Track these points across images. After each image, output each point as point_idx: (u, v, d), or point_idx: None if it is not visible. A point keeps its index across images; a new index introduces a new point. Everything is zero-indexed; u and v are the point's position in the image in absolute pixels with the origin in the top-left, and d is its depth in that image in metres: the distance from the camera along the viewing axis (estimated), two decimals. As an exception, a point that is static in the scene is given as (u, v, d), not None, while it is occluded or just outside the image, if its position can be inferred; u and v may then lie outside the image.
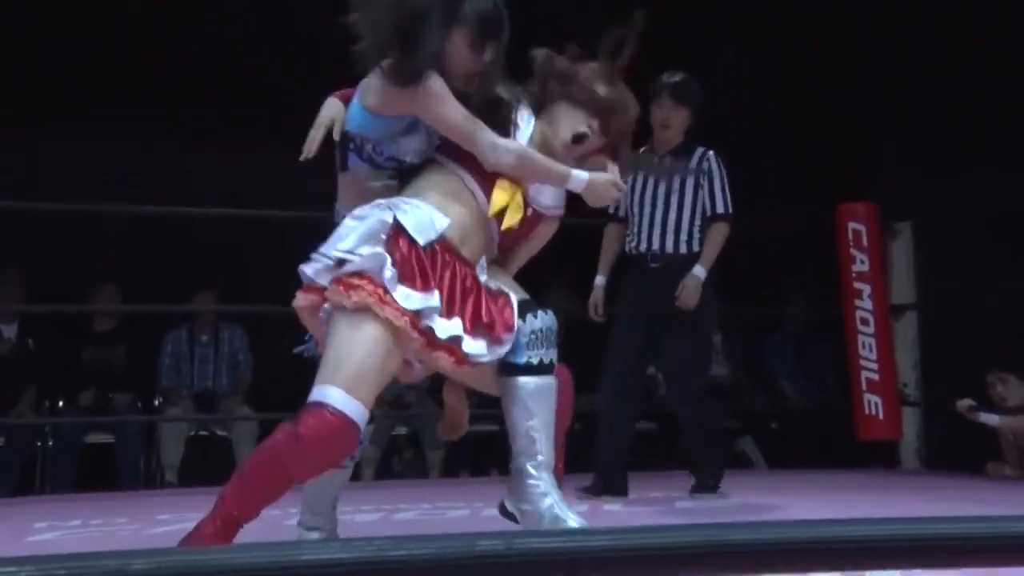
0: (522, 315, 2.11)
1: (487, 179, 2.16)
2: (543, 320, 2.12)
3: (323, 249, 2.04)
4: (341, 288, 1.95)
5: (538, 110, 2.29)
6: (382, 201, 2.09)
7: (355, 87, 2.23)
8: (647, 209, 3.65)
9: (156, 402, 5.27)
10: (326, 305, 2.01)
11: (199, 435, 5.15)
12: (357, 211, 2.07)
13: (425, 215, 2.05)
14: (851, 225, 4.67)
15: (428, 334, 1.97)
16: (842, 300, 4.73)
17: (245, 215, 5.01)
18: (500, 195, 2.15)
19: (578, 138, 2.25)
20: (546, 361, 2.12)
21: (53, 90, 5.34)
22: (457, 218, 2.11)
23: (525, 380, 2.10)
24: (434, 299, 1.98)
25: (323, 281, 2.00)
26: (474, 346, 2.02)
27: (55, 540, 2.95)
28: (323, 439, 1.89)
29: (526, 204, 2.22)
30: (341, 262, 1.98)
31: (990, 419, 4.15)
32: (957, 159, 4.56)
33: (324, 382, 1.93)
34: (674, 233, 3.62)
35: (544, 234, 2.37)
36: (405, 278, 1.96)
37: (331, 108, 2.24)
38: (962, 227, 4.58)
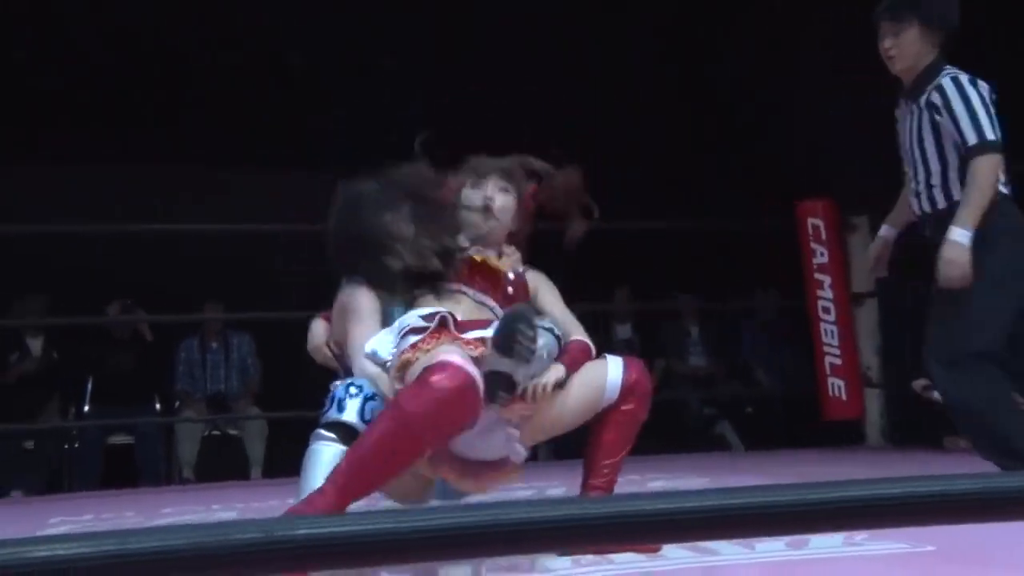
0: None
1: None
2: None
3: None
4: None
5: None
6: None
7: None
8: (906, 169, 2.84)
9: (176, 404, 5.50)
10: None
11: (212, 435, 5.38)
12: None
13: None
14: (811, 220, 4.82)
15: None
16: (805, 291, 4.89)
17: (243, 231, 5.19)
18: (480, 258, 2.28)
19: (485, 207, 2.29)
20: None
21: (63, 114, 5.56)
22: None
23: None
24: None
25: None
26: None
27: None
28: (451, 388, 1.78)
29: None
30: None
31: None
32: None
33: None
34: (926, 189, 2.74)
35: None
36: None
37: (317, 334, 2.44)
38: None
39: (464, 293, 2.23)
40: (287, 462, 5.18)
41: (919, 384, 4.34)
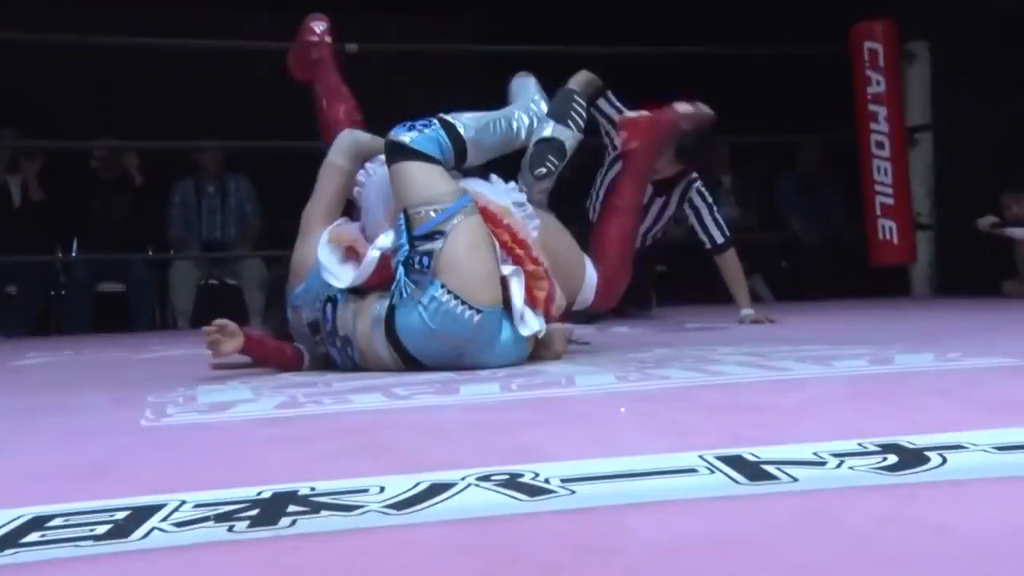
0: None
1: None
2: None
3: None
4: None
5: None
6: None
7: None
8: None
9: (170, 252, 5.13)
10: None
11: (209, 283, 5.04)
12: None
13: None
14: (867, 44, 4.33)
15: None
16: (856, 124, 4.41)
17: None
18: None
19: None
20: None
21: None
22: None
23: None
24: None
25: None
26: None
27: (34, 365, 2.83)
28: None
29: None
30: None
31: (1017, 232, 3.86)
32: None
33: None
34: None
35: None
36: None
37: None
38: (979, 45, 4.21)
39: None
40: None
41: (987, 221, 3.94)
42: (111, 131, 4.95)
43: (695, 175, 3.28)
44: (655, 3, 5.41)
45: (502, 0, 5.15)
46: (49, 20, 5.12)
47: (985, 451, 1.02)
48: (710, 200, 3.31)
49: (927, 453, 1.01)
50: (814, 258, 5.08)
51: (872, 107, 4.33)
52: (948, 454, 1.01)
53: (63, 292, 4.83)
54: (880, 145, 4.32)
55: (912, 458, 1.00)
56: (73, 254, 4.98)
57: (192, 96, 5.40)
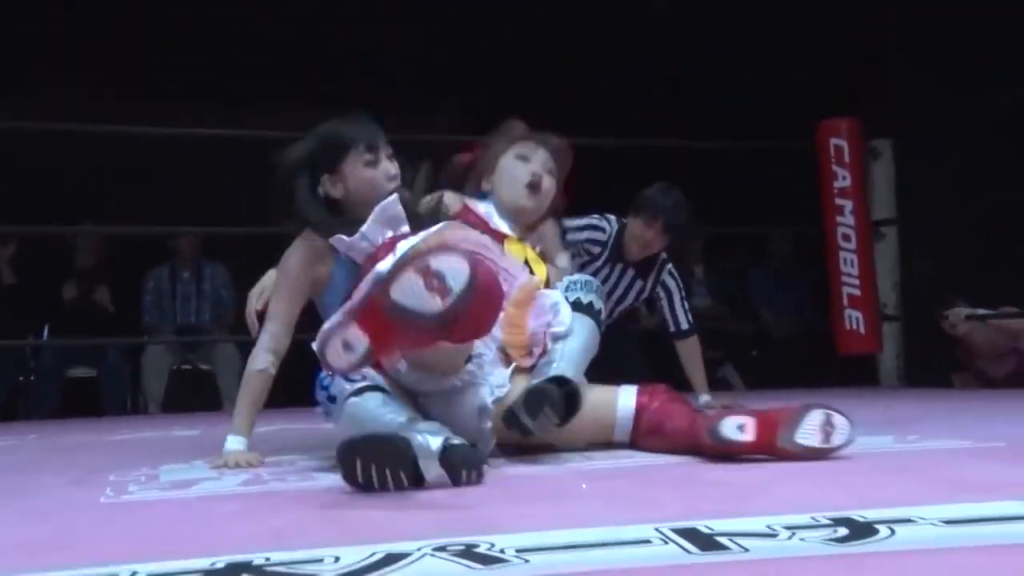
0: None
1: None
2: None
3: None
4: None
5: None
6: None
7: None
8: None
9: (143, 338, 5.10)
10: None
11: (183, 369, 4.99)
12: None
13: None
14: (833, 141, 4.45)
15: None
16: (824, 218, 4.51)
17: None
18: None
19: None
20: None
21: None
22: None
23: None
24: None
25: None
26: None
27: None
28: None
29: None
30: None
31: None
32: (936, 78, 4.34)
33: None
34: None
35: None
36: None
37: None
38: (942, 145, 4.36)
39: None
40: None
41: (958, 315, 4.04)
42: (89, 218, 4.97)
43: (666, 256, 3.33)
44: (632, 97, 5.57)
45: (485, 93, 5.28)
46: (31, 108, 5.20)
47: (933, 524, 1.04)
48: (680, 284, 3.37)
49: (877, 526, 1.03)
50: (784, 348, 5.13)
51: (839, 201, 4.43)
52: (897, 527, 1.02)
53: (31, 377, 4.77)
54: (847, 238, 4.42)
55: (862, 530, 1.02)
56: (44, 338, 4.94)
57: (167, 183, 5.45)
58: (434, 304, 1.15)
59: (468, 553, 0.97)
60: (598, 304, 1.96)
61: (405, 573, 0.91)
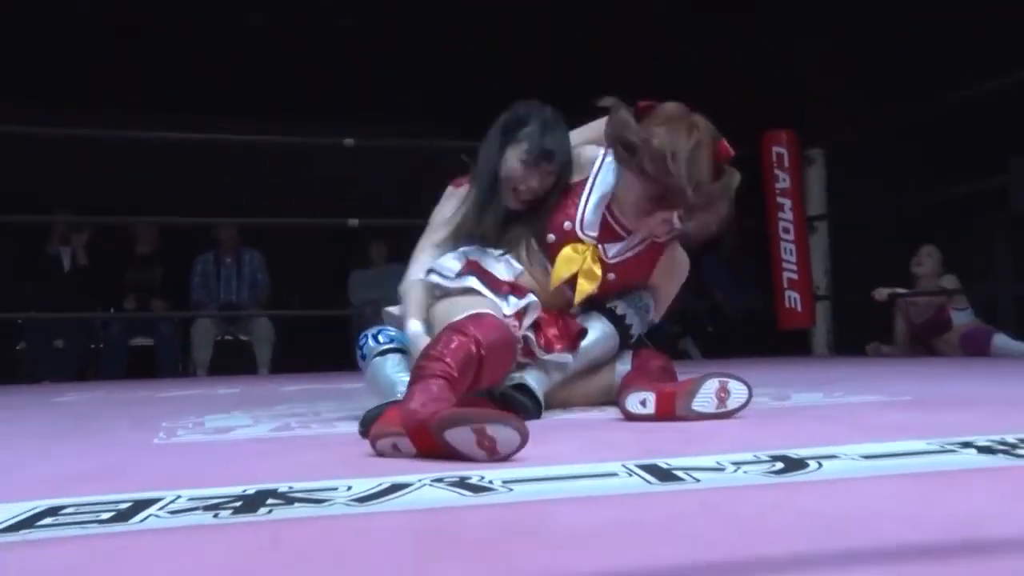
0: None
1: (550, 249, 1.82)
2: None
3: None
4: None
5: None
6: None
7: None
8: None
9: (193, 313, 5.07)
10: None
11: (225, 339, 5.00)
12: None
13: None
14: (774, 149, 4.44)
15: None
16: (766, 213, 4.50)
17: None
18: (562, 267, 1.78)
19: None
20: None
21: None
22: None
23: None
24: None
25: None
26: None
27: (72, 401, 2.78)
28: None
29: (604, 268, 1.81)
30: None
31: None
32: (861, 95, 4.35)
33: None
34: None
35: (674, 263, 1.93)
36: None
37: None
38: (866, 154, 4.38)
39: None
40: (290, 363, 4.84)
41: (882, 293, 4.08)
42: (148, 212, 4.93)
43: None
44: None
45: (489, 103, 5.20)
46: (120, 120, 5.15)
47: (853, 459, 1.04)
48: None
49: (808, 461, 1.03)
50: (734, 323, 5.14)
51: (779, 199, 4.42)
52: (824, 461, 1.02)
53: (101, 345, 4.77)
54: (786, 230, 4.41)
55: (795, 464, 1.01)
56: (111, 311, 4.93)
57: (213, 184, 5.41)
58: (481, 455, 1.12)
59: (462, 483, 0.96)
60: (631, 319, 1.84)
61: (407, 498, 0.90)
